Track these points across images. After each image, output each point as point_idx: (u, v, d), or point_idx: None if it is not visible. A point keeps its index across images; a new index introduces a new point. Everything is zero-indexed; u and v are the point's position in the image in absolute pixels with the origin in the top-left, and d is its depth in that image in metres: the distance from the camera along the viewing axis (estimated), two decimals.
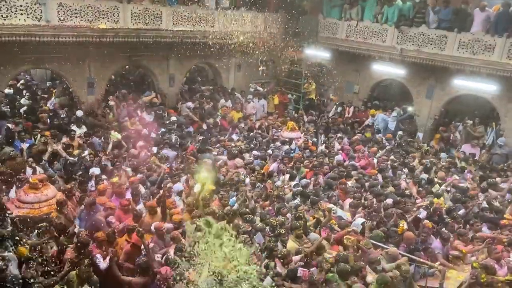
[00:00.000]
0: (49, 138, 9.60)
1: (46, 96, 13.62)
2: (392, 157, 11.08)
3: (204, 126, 13.01)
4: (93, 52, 12.24)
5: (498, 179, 9.92)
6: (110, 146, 10.31)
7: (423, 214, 8.01)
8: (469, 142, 12.32)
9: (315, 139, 12.72)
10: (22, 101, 12.32)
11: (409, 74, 13.89)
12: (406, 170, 10.35)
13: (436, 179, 9.83)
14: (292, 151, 11.48)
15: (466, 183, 9.73)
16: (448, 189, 9.36)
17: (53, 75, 15.51)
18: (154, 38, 12.58)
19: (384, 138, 12.72)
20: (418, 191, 9.20)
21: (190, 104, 13.85)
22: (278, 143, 11.98)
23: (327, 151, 11.30)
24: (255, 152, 11.00)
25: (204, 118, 13.56)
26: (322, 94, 17.11)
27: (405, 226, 7.22)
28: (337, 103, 15.68)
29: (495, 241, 7.14)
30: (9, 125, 9.96)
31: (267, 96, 16.05)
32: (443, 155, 11.77)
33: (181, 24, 13.05)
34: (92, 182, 8.46)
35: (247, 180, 9.31)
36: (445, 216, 8.01)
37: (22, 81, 14.98)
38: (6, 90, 13.13)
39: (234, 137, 12.46)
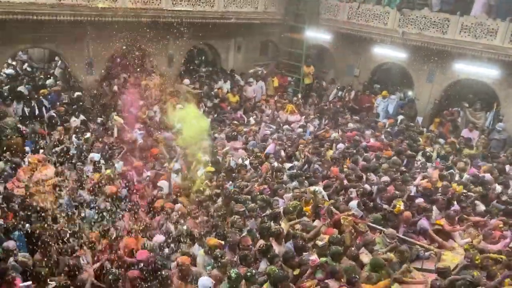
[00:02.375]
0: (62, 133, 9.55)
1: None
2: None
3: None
4: (92, 31, 12.08)
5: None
6: (116, 130, 10.22)
7: (413, 190, 8.07)
8: (468, 127, 12.32)
9: (316, 123, 12.70)
10: (21, 89, 11.78)
11: (410, 58, 13.77)
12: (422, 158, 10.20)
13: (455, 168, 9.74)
14: (304, 135, 11.50)
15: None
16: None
17: (52, 55, 15.41)
18: (153, 18, 12.42)
19: (387, 123, 12.67)
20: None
21: (187, 81, 13.75)
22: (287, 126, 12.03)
23: (341, 139, 10.93)
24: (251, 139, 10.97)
25: (202, 100, 13.50)
26: (322, 77, 16.97)
27: (402, 207, 7.27)
28: (338, 87, 15.59)
29: (491, 227, 7.21)
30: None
31: (266, 78, 15.93)
32: (441, 140, 11.75)
33: (181, 4, 12.87)
34: (90, 168, 8.23)
35: (247, 163, 9.35)
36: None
37: (25, 65, 14.69)
38: (8, 71, 13.03)
39: (252, 120, 12.42)
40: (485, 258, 6.05)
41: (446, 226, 7.17)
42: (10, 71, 13.32)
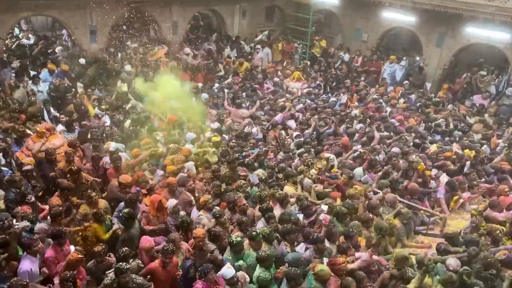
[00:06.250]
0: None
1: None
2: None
3: (216, 84, 12.54)
4: None
5: None
6: (114, 96, 10.22)
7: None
8: (480, 93, 12.15)
9: (321, 91, 12.56)
10: (14, 64, 11.24)
11: (419, 22, 13.40)
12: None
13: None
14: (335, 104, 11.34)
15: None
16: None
17: (54, 23, 15.25)
18: None
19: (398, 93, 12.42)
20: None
21: (187, 49, 13.57)
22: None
23: (362, 116, 10.27)
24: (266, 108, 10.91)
25: (213, 71, 13.30)
26: (330, 43, 16.60)
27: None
28: (342, 52, 15.26)
29: (496, 192, 7.22)
30: None
31: (272, 45, 15.64)
32: (450, 106, 11.60)
33: None
34: (107, 159, 7.43)
35: (254, 130, 9.36)
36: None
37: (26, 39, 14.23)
38: (25, 40, 12.89)
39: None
40: (492, 229, 6.12)
41: (459, 192, 7.18)
42: (27, 41, 13.11)
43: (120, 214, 5.75)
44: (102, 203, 6.28)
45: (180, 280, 5.22)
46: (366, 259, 4.92)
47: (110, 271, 4.80)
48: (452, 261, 5.10)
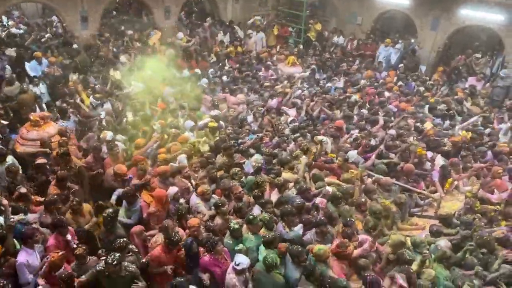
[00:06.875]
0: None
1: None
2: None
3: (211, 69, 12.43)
4: None
5: None
6: (109, 85, 10.10)
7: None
8: (474, 75, 12.15)
9: (318, 75, 12.48)
10: (7, 51, 10.80)
11: (414, 5, 13.35)
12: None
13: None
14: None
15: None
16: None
17: (45, 9, 15.02)
18: None
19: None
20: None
21: (180, 34, 13.40)
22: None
23: (361, 101, 10.15)
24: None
25: (205, 57, 13.19)
26: (324, 26, 16.47)
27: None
28: (336, 35, 15.15)
29: (490, 173, 7.27)
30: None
31: (265, 29, 15.49)
32: (443, 88, 11.61)
33: None
34: (104, 148, 7.32)
35: (249, 118, 9.33)
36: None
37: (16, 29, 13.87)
38: (14, 30, 12.64)
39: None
40: (487, 210, 6.19)
41: (453, 174, 7.23)
42: (16, 30, 12.80)
43: (105, 215, 5.39)
44: (86, 208, 5.98)
45: (186, 258, 5.21)
46: (367, 247, 4.99)
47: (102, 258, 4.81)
48: (442, 243, 5.22)
